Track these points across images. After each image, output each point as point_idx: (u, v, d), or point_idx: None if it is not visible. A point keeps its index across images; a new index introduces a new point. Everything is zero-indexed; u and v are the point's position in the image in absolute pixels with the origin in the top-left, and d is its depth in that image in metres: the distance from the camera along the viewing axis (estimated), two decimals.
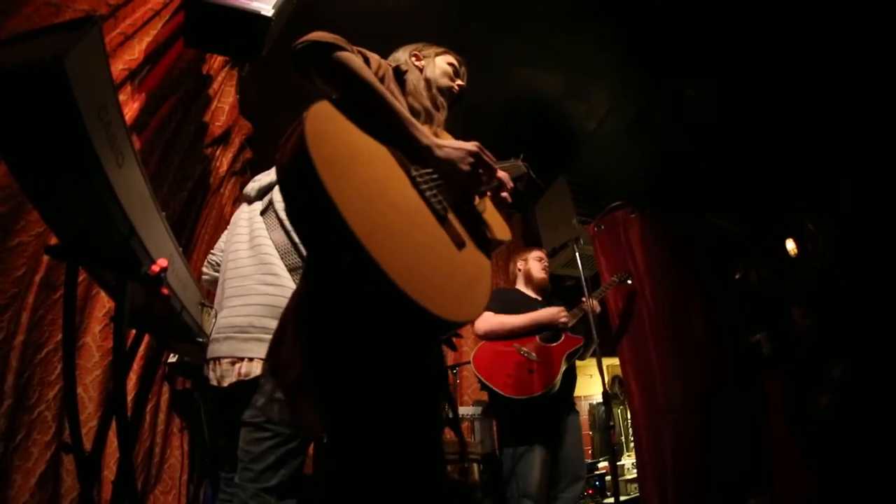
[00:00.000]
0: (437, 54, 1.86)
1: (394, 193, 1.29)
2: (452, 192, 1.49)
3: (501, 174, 2.11)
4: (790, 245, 5.25)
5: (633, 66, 4.53)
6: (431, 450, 1.48)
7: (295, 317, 1.42)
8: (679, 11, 3.92)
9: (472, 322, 1.29)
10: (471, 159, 1.49)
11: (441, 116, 1.74)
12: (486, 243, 1.55)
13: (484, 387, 3.28)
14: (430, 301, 1.13)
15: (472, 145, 1.50)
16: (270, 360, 1.42)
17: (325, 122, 1.24)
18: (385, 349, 1.39)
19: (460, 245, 1.39)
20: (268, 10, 2.71)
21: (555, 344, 3.27)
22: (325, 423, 1.31)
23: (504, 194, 1.73)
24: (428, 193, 1.38)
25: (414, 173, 1.38)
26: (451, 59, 1.89)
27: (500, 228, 1.68)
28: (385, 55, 1.61)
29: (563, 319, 3.25)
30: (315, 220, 1.19)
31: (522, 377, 3.16)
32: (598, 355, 3.17)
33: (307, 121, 1.16)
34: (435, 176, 1.45)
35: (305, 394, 1.31)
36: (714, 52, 4.21)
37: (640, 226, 4.58)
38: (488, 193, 1.69)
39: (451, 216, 1.42)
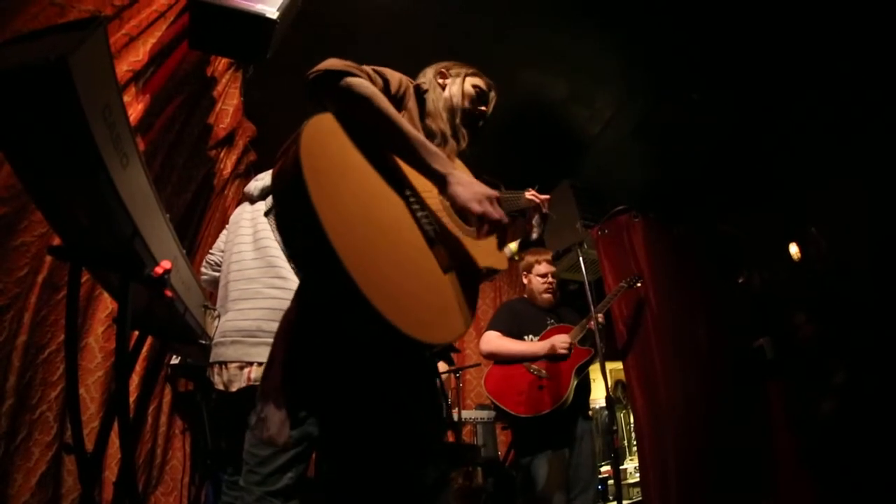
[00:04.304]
0: (467, 75, 1.78)
1: (384, 210, 1.30)
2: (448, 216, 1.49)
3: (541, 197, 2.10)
4: (793, 249, 5.24)
5: (638, 71, 4.52)
6: (421, 460, 1.47)
7: (283, 340, 1.45)
8: (683, 16, 3.92)
9: (439, 343, 1.29)
10: (486, 204, 1.38)
11: (456, 144, 1.66)
12: (478, 270, 1.54)
13: (496, 407, 3.31)
14: (395, 314, 1.13)
15: (491, 192, 1.41)
16: (262, 384, 1.45)
17: (323, 133, 1.24)
18: (365, 363, 1.41)
19: (446, 268, 1.39)
20: (272, 12, 2.71)
21: (564, 360, 3.27)
22: (289, 437, 1.32)
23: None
24: (419, 214, 1.38)
25: (408, 193, 1.39)
26: (478, 82, 1.79)
27: (496, 257, 1.67)
28: (388, 58, 1.60)
29: (562, 350, 3.24)
30: (296, 225, 1.20)
31: (533, 395, 3.18)
32: (602, 360, 3.16)
33: (305, 130, 1.17)
34: (431, 199, 1.45)
35: (279, 411, 1.34)
36: (719, 56, 4.21)
37: (644, 230, 4.57)
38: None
39: (441, 239, 1.42)
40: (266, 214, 2.49)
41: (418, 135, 1.40)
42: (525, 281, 3.70)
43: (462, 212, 1.44)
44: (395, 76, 1.53)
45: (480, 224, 1.41)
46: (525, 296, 3.73)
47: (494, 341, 3.41)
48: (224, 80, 3.57)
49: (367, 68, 1.41)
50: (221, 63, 3.48)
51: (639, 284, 3.96)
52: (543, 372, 3.23)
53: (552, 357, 3.26)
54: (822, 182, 4.82)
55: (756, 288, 5.22)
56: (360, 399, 1.42)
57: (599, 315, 3.40)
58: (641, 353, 4.25)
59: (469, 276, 1.48)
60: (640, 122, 5.02)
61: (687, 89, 4.58)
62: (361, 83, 1.33)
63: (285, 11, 2.77)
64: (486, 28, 4.02)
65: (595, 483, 3.28)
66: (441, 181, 1.38)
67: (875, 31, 3.75)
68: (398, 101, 1.49)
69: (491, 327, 3.50)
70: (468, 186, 1.38)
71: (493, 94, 1.84)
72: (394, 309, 1.14)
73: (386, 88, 1.45)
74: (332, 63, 1.33)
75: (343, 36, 3.82)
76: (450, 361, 3.63)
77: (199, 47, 2.90)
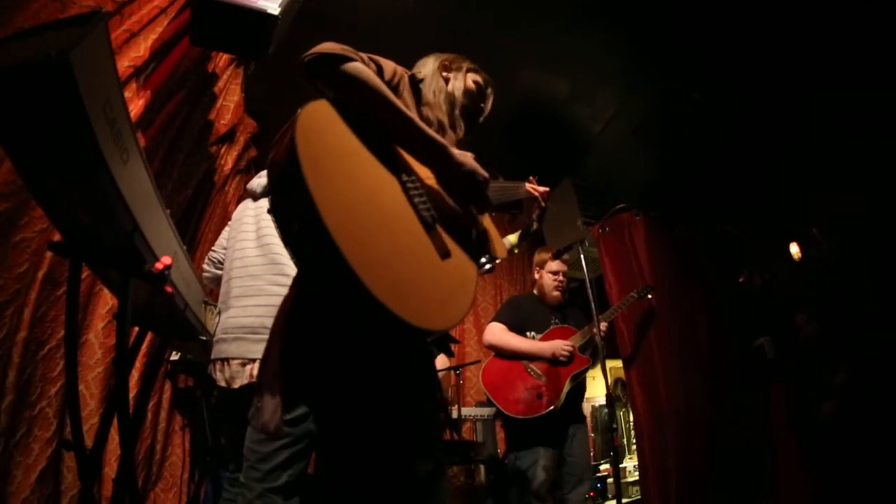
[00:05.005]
0: (467, 70, 1.81)
1: (381, 196, 1.29)
2: (446, 202, 1.49)
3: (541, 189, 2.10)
4: (794, 249, 5.24)
5: (639, 70, 4.52)
6: (418, 452, 1.47)
7: (280, 330, 1.45)
8: (685, 14, 3.91)
9: (440, 330, 1.29)
10: (484, 174, 1.51)
11: (454, 134, 1.69)
12: (477, 257, 1.53)
13: (491, 403, 3.33)
14: (393, 300, 1.13)
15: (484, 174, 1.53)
16: (259, 374, 1.47)
17: (319, 120, 1.23)
18: (362, 354, 1.41)
19: (445, 255, 1.38)
20: (274, 8, 2.70)
21: (563, 365, 3.27)
22: (282, 429, 1.33)
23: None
24: (417, 200, 1.37)
25: (405, 179, 1.38)
26: (478, 78, 1.82)
27: (495, 245, 1.67)
28: (390, 55, 1.59)
29: (563, 357, 3.24)
30: (293, 212, 1.19)
31: (530, 397, 3.19)
32: (602, 358, 3.16)
33: (300, 117, 1.16)
34: (428, 185, 1.45)
35: (273, 399, 1.35)
36: (720, 55, 4.20)
37: (645, 228, 4.57)
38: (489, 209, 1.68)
39: (439, 226, 1.41)
40: (269, 211, 2.49)
41: (414, 116, 1.41)
42: (536, 276, 3.70)
43: (468, 178, 1.48)
44: (389, 64, 1.53)
45: (484, 193, 1.52)
46: (534, 291, 3.73)
47: (498, 333, 3.42)
48: (225, 77, 3.57)
49: (362, 54, 1.41)
50: (223, 59, 3.48)
51: (650, 296, 3.93)
52: (541, 374, 3.23)
53: (552, 360, 3.26)
54: (822, 182, 4.82)
55: (756, 288, 5.22)
56: (356, 390, 1.41)
57: (603, 324, 3.40)
58: (642, 351, 4.25)
59: (467, 263, 1.47)
60: (642, 121, 5.01)
61: (688, 88, 4.57)
62: (357, 66, 1.33)
63: (287, 7, 2.76)
64: (488, 26, 4.01)
65: (589, 477, 3.28)
66: (442, 150, 1.43)
67: (875, 29, 3.75)
68: (392, 88, 1.49)
69: (496, 319, 3.51)
70: (468, 156, 1.50)
71: (490, 90, 1.86)
72: (392, 295, 1.13)
73: (380, 75, 1.44)
74: (328, 46, 1.32)
75: (344, 32, 3.80)
76: (449, 352, 3.61)
77: (201, 43, 2.90)
